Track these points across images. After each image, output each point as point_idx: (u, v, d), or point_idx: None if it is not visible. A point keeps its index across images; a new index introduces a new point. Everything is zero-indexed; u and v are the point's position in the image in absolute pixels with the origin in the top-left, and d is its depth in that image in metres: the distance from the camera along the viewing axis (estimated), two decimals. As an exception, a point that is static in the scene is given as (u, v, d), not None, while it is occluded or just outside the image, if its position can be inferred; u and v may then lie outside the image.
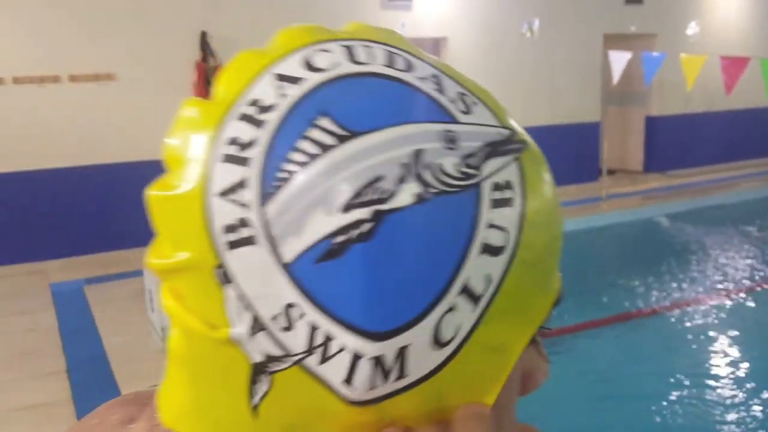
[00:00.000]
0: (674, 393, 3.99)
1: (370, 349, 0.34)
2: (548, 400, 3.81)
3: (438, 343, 0.35)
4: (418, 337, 0.35)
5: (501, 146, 0.38)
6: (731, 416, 3.72)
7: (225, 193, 0.36)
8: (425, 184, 0.35)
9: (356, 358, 0.34)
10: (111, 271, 6.15)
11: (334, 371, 0.35)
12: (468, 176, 0.36)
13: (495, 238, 0.36)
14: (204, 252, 0.36)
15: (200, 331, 0.37)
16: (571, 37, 9.59)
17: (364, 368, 0.35)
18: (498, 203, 0.37)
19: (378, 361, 0.35)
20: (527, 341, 0.39)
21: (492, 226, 0.36)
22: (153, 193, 0.38)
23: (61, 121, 6.57)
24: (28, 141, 6.48)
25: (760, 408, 3.80)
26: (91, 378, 4.06)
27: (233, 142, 0.36)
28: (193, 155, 0.37)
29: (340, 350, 0.34)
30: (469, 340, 0.36)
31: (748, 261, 6.48)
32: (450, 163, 0.36)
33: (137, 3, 6.73)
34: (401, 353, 0.35)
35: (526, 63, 9.29)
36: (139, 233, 5.85)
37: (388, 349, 0.34)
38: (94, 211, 6.78)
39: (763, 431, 3.59)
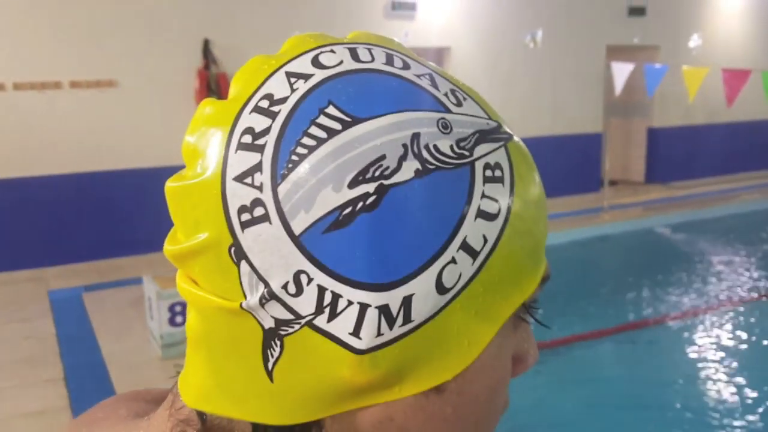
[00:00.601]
0: (675, 404, 3.99)
1: (374, 299, 0.38)
2: (548, 409, 3.79)
3: (440, 289, 0.39)
4: (421, 285, 0.38)
5: (490, 134, 0.43)
6: (731, 427, 3.70)
7: (240, 178, 0.39)
8: (424, 162, 0.39)
9: (363, 309, 0.38)
10: (110, 279, 6.12)
11: (342, 326, 0.38)
12: (462, 156, 0.40)
13: (489, 207, 0.40)
14: (221, 232, 0.39)
15: (214, 304, 0.40)
16: (574, 48, 9.60)
17: (371, 317, 0.38)
18: (490, 180, 0.41)
19: (383, 309, 0.38)
20: (514, 309, 0.42)
21: (486, 196, 0.40)
22: (171, 184, 0.42)
23: (61, 128, 6.56)
24: (29, 147, 6.47)
25: (759, 420, 3.78)
26: (89, 385, 4.04)
27: (248, 131, 0.40)
28: (211, 147, 0.41)
29: (347, 305, 0.38)
30: (468, 288, 0.40)
31: (749, 272, 6.47)
32: (445, 144, 0.40)
33: (140, 10, 6.73)
34: (406, 301, 0.38)
35: (528, 73, 9.30)
36: (139, 241, 5.82)
37: (392, 298, 0.38)
38: (93, 218, 6.76)
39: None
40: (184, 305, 4.29)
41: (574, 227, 7.55)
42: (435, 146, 0.40)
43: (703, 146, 11.20)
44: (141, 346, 4.54)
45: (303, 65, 0.42)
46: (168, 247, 0.42)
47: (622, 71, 7.94)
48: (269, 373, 0.40)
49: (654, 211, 8.91)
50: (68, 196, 6.68)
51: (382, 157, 0.38)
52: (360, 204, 0.38)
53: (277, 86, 0.41)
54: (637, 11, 10.09)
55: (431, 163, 0.39)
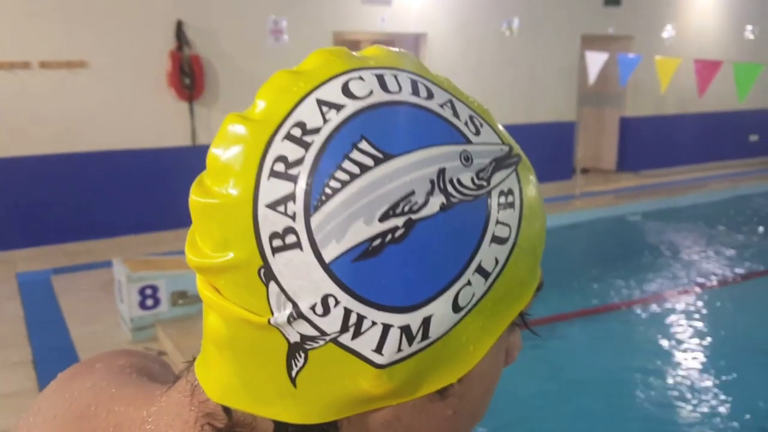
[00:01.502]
0: (642, 386, 4.05)
1: (397, 320, 0.41)
2: (515, 391, 3.83)
3: (456, 309, 0.43)
4: (440, 306, 0.42)
5: (504, 161, 0.47)
6: (699, 408, 3.78)
7: (273, 205, 0.41)
8: (448, 196, 0.42)
9: (386, 329, 0.41)
10: (79, 262, 6.05)
11: (366, 343, 0.41)
12: (480, 187, 0.44)
13: (502, 232, 0.45)
14: (251, 254, 0.41)
15: (240, 316, 0.42)
16: (549, 37, 9.64)
17: (393, 336, 0.41)
18: (503, 206, 0.45)
19: (405, 329, 0.42)
20: (513, 317, 0.47)
21: (499, 222, 0.45)
22: (198, 199, 0.44)
23: (30, 109, 6.44)
24: (-3, 127, 6.34)
25: (725, 399, 3.88)
26: (57, 368, 3.88)
27: (281, 159, 0.42)
28: (242, 168, 0.42)
29: (371, 326, 0.41)
30: (479, 305, 0.44)
31: (716, 258, 6.59)
32: (467, 177, 0.44)
33: (112, -11, 6.62)
34: (426, 321, 0.42)
35: (504, 61, 9.33)
36: (109, 224, 5.72)
37: (413, 319, 0.42)
38: (62, 200, 6.66)
39: (729, 421, 3.66)
40: (154, 288, 4.26)
41: (546, 214, 7.60)
42: (458, 180, 0.43)
43: (674, 136, 11.35)
44: (110, 329, 4.50)
45: (333, 93, 0.44)
46: (192, 258, 0.44)
47: (596, 60, 7.99)
48: (292, 380, 0.43)
49: (625, 199, 9.01)
50: (37, 177, 6.57)
51: (412, 193, 0.41)
52: (389, 236, 0.41)
53: (309, 115, 0.43)
54: (612, 1, 10.15)
55: (455, 197, 0.43)
